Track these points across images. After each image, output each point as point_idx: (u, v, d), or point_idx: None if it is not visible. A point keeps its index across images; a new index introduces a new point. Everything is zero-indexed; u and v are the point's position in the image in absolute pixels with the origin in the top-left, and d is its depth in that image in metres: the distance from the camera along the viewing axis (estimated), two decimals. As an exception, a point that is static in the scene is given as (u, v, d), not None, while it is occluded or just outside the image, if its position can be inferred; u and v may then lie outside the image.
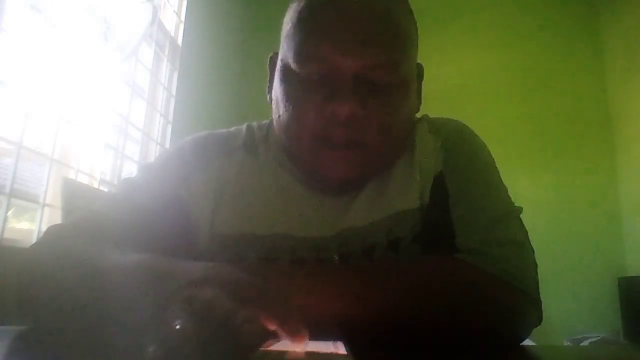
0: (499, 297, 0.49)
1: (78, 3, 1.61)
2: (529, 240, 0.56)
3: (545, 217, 2.61)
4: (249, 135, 0.67)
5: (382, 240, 0.57)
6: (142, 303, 0.31)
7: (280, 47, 0.59)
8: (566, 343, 2.35)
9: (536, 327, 0.53)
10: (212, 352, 0.25)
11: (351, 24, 0.53)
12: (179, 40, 2.38)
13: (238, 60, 3.06)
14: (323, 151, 0.55)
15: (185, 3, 2.44)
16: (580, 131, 2.85)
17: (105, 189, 1.67)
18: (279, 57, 0.59)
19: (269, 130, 0.67)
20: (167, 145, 2.20)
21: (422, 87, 0.65)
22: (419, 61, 0.63)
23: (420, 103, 0.64)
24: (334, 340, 0.38)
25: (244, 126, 0.69)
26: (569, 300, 2.55)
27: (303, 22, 0.55)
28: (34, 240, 1.34)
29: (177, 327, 0.25)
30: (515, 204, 0.59)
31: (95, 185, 1.69)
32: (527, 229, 0.57)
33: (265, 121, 0.69)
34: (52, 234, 0.55)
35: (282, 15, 0.61)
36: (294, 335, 0.30)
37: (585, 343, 2.26)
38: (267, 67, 0.64)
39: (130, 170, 1.97)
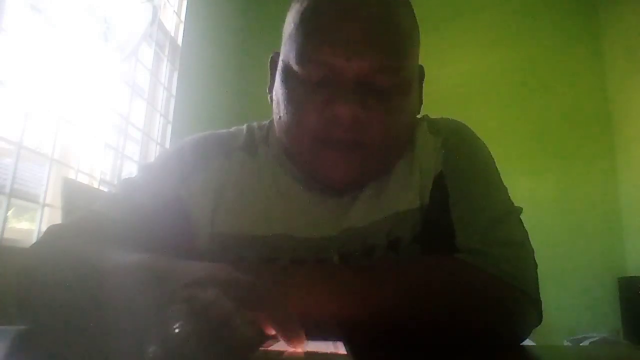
0: (499, 297, 0.49)
1: (78, 3, 1.61)
2: (528, 241, 0.56)
3: (545, 218, 2.61)
4: (249, 136, 0.67)
5: (382, 240, 0.57)
6: (142, 303, 0.31)
7: (282, 47, 0.59)
8: (566, 343, 2.35)
9: (536, 327, 0.53)
10: (212, 352, 0.25)
11: (354, 27, 0.53)
12: (179, 40, 2.38)
13: (238, 60, 3.05)
14: (324, 152, 0.55)
15: (185, 3, 2.44)
16: (580, 131, 2.85)
17: (105, 189, 1.67)
18: (281, 58, 0.59)
19: (269, 131, 0.67)
20: (167, 145, 2.20)
21: (423, 87, 0.65)
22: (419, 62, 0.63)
23: (421, 104, 0.64)
24: (334, 340, 0.38)
25: (244, 126, 0.69)
26: (569, 300, 2.56)
27: (306, 23, 0.55)
28: (34, 240, 1.34)
29: (177, 327, 0.25)
30: (515, 204, 0.59)
31: (95, 185, 1.69)
32: (527, 229, 0.57)
33: (265, 121, 0.69)
34: (52, 233, 0.55)
35: (282, 15, 0.61)
36: (292, 338, 0.30)
37: (585, 343, 2.26)
38: (268, 67, 0.64)
39: (130, 170, 1.97)
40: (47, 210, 1.44)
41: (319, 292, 0.44)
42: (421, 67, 0.64)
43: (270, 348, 0.33)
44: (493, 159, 0.63)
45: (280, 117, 0.58)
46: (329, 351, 0.34)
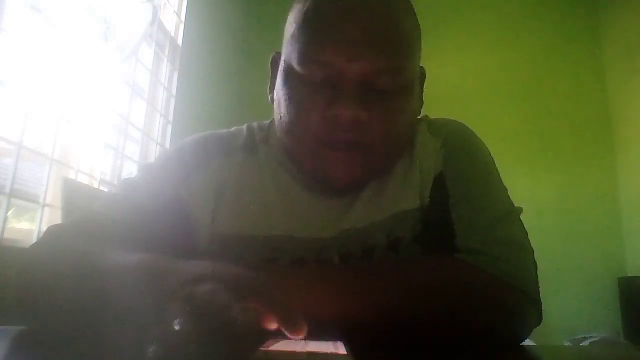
0: (499, 297, 0.49)
1: (78, 3, 1.61)
2: (528, 241, 0.56)
3: (545, 217, 2.61)
4: (249, 136, 0.67)
5: (382, 240, 0.57)
6: (142, 303, 0.31)
7: (283, 47, 0.59)
8: (566, 343, 2.36)
9: (536, 327, 0.53)
10: (212, 351, 0.25)
11: (356, 27, 0.53)
12: (179, 40, 2.38)
13: (238, 60, 3.05)
14: (324, 152, 0.55)
15: (185, 3, 2.44)
16: (580, 131, 2.85)
17: (105, 189, 1.67)
18: (282, 58, 0.59)
19: (270, 131, 0.67)
20: (167, 145, 2.20)
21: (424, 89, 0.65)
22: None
23: (421, 105, 0.64)
24: (334, 340, 0.38)
25: (245, 126, 0.69)
26: (569, 300, 2.56)
27: (308, 24, 0.55)
28: (34, 240, 1.34)
29: (177, 326, 0.25)
30: (515, 204, 0.59)
31: (95, 185, 1.69)
32: (527, 229, 0.57)
33: (265, 121, 0.69)
34: (52, 234, 0.55)
35: (282, 15, 0.61)
36: (293, 327, 0.29)
37: (585, 343, 2.27)
38: (269, 66, 0.64)
39: (130, 170, 1.97)
40: (47, 210, 1.44)
41: (319, 293, 0.44)
42: (422, 69, 0.64)
43: (270, 348, 0.33)
44: (493, 159, 0.63)
45: (281, 117, 0.58)
46: (329, 351, 0.34)
